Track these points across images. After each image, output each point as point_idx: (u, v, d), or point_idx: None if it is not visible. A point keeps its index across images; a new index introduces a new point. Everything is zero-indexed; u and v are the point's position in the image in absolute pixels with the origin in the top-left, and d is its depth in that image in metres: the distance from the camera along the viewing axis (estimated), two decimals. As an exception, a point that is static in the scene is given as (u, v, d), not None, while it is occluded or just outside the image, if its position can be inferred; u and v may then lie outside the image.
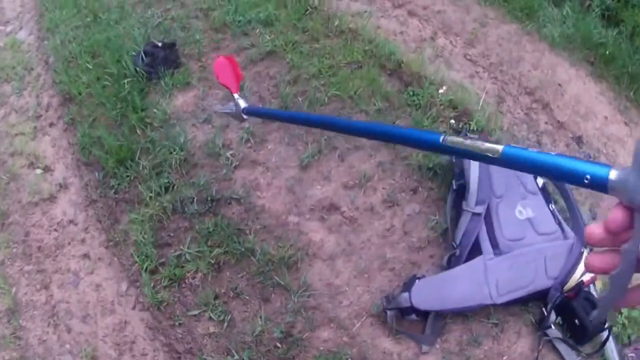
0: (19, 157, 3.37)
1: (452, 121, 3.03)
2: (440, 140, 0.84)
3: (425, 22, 3.83)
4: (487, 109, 3.18)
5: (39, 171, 3.30)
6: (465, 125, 3.04)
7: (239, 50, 3.47)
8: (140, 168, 3.02)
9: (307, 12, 3.67)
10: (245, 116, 1.97)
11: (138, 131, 3.20)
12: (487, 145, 0.74)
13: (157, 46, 3.49)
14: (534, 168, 0.68)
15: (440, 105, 3.14)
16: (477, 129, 3.01)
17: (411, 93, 3.18)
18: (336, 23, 3.54)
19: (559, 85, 3.42)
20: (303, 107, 3.08)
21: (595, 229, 0.57)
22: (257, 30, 3.57)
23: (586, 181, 0.60)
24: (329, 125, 1.72)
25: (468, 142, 0.78)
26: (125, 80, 3.41)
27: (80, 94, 3.51)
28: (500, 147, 0.71)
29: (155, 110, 3.26)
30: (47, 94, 3.76)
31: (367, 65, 3.29)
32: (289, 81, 3.23)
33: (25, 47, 4.29)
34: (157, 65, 3.41)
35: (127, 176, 3.02)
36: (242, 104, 1.94)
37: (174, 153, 3.02)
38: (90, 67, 3.66)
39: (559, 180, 0.59)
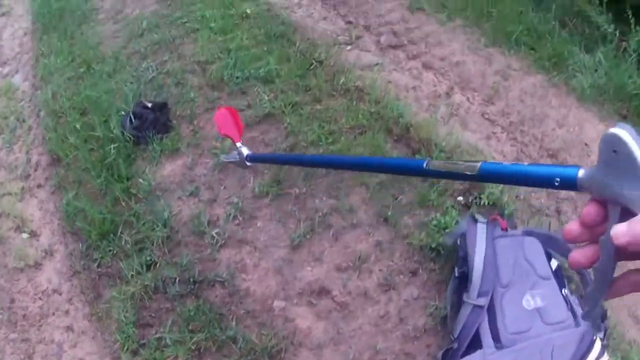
0: (5, 219, 3.44)
1: (460, 198, 2.98)
2: (424, 165, 0.96)
3: (441, 75, 3.80)
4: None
5: (25, 235, 3.36)
6: (475, 199, 2.99)
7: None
8: (123, 243, 3.04)
9: (312, 67, 3.69)
10: (249, 163, 2.12)
11: (122, 202, 3.23)
12: (466, 164, 0.86)
13: (147, 107, 3.54)
14: (509, 179, 0.79)
15: (450, 175, 3.08)
16: (488, 203, 2.96)
17: (418, 163, 3.13)
18: (342, 80, 3.55)
19: (586, 144, 3.33)
20: (298, 179, 3.08)
21: (572, 226, 0.64)
22: (256, 89, 3.60)
23: (557, 183, 0.68)
24: (326, 164, 2.12)
25: (449, 164, 0.93)
26: (112, 146, 3.46)
27: (67, 156, 3.57)
28: (477, 164, 0.83)
29: (140, 180, 3.29)
30: (37, 151, 3.85)
31: (372, 130, 3.28)
32: (285, 149, 3.23)
33: (20, 94, 4.44)
34: (145, 128, 3.45)
35: (110, 250, 3.05)
36: (245, 151, 2.11)
37: (157, 229, 3.04)
38: (79, 127, 3.75)
39: (534, 186, 0.75)
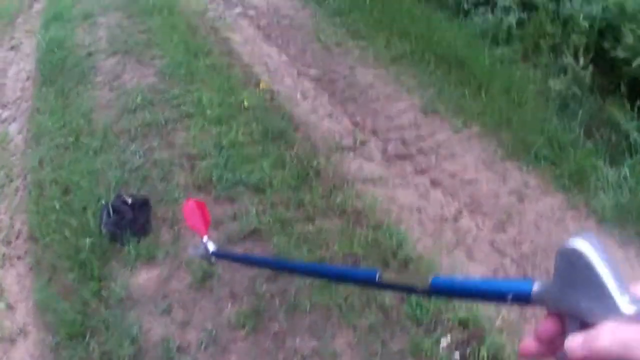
0: (-15, 282, 3.44)
1: (457, 355, 2.85)
2: (377, 277, 0.98)
3: (450, 195, 3.71)
4: (508, 318, 3.00)
5: (2, 305, 3.34)
6: (473, 351, 2.85)
7: (219, 223, 3.41)
8: (90, 350, 2.93)
9: (308, 178, 3.61)
10: (214, 259, 2.28)
11: (93, 305, 3.14)
12: (418, 278, 0.94)
13: (127, 203, 3.48)
14: (462, 294, 0.84)
15: (448, 322, 2.97)
16: (488, 356, 2.82)
17: (414, 305, 3.02)
18: (339, 199, 3.46)
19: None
20: (279, 312, 2.97)
21: (528, 342, 0.65)
22: (245, 197, 3.52)
23: (510, 298, 0.70)
24: (284, 268, 2.42)
25: (401, 277, 1.09)
26: (87, 240, 3.38)
27: (44, 237, 3.53)
28: (428, 278, 0.85)
29: (113, 284, 3.20)
30: (20, 218, 3.83)
31: (366, 260, 3.17)
32: (269, 276, 3.13)
33: (12, 147, 4.55)
34: (123, 227, 3.38)
35: (77, 355, 2.94)
36: (211, 247, 2.19)
37: (125, 345, 2.92)
38: (58, 207, 3.70)
39: (486, 301, 0.77)
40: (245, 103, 4.44)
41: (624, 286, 0.58)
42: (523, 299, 0.68)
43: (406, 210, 3.55)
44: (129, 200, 3.50)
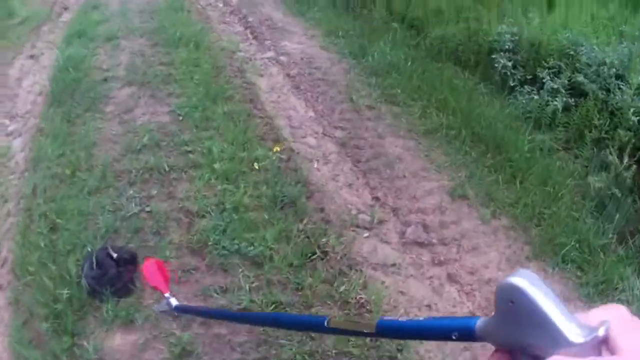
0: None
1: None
2: (325, 323, 1.09)
3: (465, 294, 3.55)
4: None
5: None
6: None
7: (207, 295, 3.29)
8: None
9: (313, 258, 3.49)
10: (177, 313, 2.67)
11: (63, 361, 3.04)
12: (365, 322, 1.02)
13: (112, 257, 3.38)
14: (407, 334, 0.95)
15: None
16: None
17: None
18: (343, 287, 3.32)
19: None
20: None
21: None
22: (240, 269, 3.39)
23: (454, 336, 0.76)
24: (244, 320, 2.60)
25: (348, 322, 1.12)
26: (65, 291, 3.28)
27: (25, 275, 3.47)
28: (374, 322, 0.92)
29: (86, 343, 3.08)
30: (7, 245, 3.80)
31: (363, 361, 3.02)
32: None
33: (13, 165, 4.61)
34: (104, 284, 3.27)
35: None
36: (174, 302, 2.47)
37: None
38: (43, 245, 3.65)
39: (432, 339, 0.89)
40: (257, 165, 4.36)
41: (569, 315, 0.61)
42: (468, 336, 0.73)
43: (415, 305, 3.40)
44: (114, 255, 3.40)
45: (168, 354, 3.05)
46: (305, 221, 3.79)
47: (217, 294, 3.30)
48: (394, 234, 3.90)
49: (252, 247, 3.49)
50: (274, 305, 3.22)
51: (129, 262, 3.45)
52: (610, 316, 0.62)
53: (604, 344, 0.60)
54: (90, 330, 3.18)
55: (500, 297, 0.64)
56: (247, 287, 3.30)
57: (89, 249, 3.52)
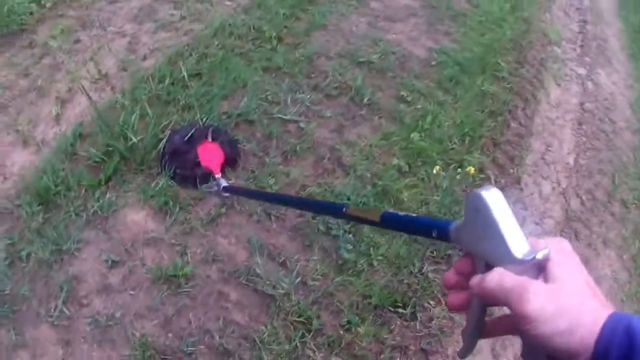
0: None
1: None
2: (343, 210, 1.28)
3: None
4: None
5: None
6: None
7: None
8: None
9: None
10: (225, 194, 2.76)
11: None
12: (372, 213, 1.13)
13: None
14: (402, 227, 1.02)
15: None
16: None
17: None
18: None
19: None
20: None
21: (449, 274, 0.83)
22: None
23: (434, 234, 0.87)
24: (285, 202, 2.90)
25: (361, 211, 1.25)
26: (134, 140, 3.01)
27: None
28: (379, 213, 1.09)
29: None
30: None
31: None
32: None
33: None
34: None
35: None
36: (223, 182, 2.82)
37: None
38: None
39: (419, 234, 0.98)
40: None
41: (519, 235, 0.71)
42: (444, 236, 0.84)
43: None
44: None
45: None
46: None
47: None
48: None
49: None
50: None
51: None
52: (554, 247, 0.74)
53: (542, 270, 0.72)
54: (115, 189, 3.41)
55: (468, 204, 0.75)
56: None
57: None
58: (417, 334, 3.07)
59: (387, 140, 3.90)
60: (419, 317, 3.11)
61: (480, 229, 0.75)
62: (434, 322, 3.13)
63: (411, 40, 5.03)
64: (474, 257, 0.78)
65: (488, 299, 0.74)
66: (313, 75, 4.28)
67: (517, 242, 0.72)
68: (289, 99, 4.00)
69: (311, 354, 2.88)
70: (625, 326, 0.66)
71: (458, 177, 3.73)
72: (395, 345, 3.00)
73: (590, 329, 0.68)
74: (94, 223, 3.22)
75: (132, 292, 2.97)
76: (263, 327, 2.92)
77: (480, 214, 0.74)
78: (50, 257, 3.05)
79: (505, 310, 0.73)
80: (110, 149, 3.41)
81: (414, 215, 1.01)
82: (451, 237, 0.83)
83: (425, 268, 3.31)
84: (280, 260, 3.18)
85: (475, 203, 0.74)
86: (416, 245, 3.38)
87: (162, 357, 2.78)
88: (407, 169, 3.76)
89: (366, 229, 3.34)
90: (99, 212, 3.24)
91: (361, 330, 2.98)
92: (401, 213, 1.04)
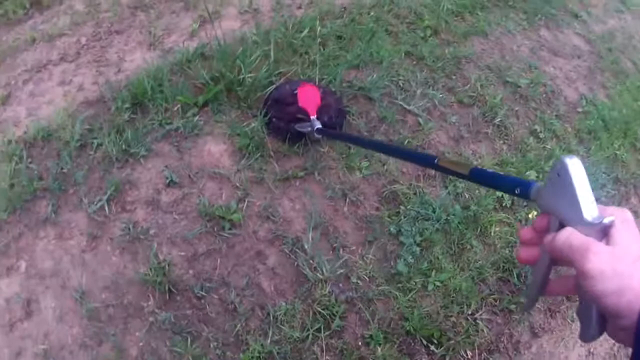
0: None
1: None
2: (435, 161, 1.38)
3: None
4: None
5: None
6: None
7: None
8: None
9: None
10: (317, 135, 2.90)
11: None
12: (463, 165, 1.23)
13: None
14: (489, 181, 1.12)
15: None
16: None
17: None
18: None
19: None
20: None
21: (526, 230, 0.90)
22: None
23: (517, 192, 0.97)
24: (374, 147, 2.73)
25: (452, 164, 1.33)
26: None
27: None
28: (469, 167, 1.19)
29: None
30: None
31: None
32: None
33: None
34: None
35: None
36: (317, 124, 2.89)
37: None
38: None
39: (502, 190, 1.08)
40: None
41: (591, 201, 0.79)
42: (525, 195, 0.94)
43: None
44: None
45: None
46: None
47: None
48: None
49: None
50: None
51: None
52: (618, 216, 0.80)
53: (605, 235, 0.78)
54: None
55: (552, 170, 0.83)
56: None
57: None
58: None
59: (501, 168, 3.51)
60: None
61: (559, 191, 0.82)
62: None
63: (567, 80, 4.60)
64: (550, 217, 0.86)
65: (556, 255, 0.82)
66: (454, 77, 3.96)
67: (589, 206, 0.79)
68: (419, 92, 3.71)
69: (317, 353, 2.61)
70: None
71: None
72: (407, 383, 2.65)
73: (637, 293, 0.73)
74: (171, 139, 3.11)
75: (176, 217, 2.84)
76: (283, 304, 2.68)
77: (561, 179, 0.81)
78: (117, 155, 2.98)
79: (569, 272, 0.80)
80: (218, 75, 3.26)
81: (500, 173, 1.09)
82: (531, 196, 0.92)
83: (479, 314, 2.92)
84: (334, 245, 2.90)
85: (558, 168, 0.82)
86: (483, 287, 2.98)
87: (172, 288, 2.63)
88: (508, 205, 3.35)
89: (438, 249, 2.98)
90: (181, 131, 3.13)
91: (380, 351, 2.65)
92: (489, 170, 1.13)
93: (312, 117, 2.98)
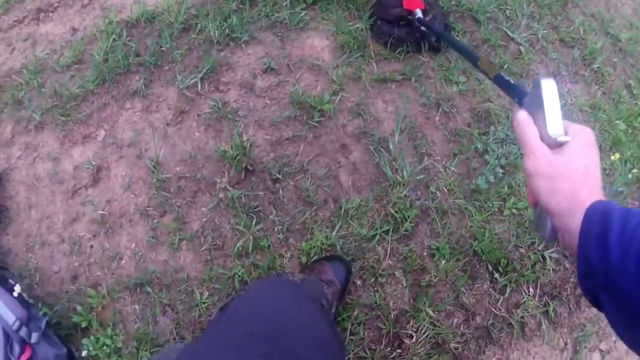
0: None
1: None
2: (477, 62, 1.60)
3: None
4: None
5: None
6: None
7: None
8: None
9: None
10: (417, 24, 2.81)
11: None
12: (493, 67, 1.50)
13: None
14: (504, 86, 1.30)
15: None
16: None
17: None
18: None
19: None
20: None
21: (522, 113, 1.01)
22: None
23: (516, 100, 1.13)
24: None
25: (489, 65, 1.54)
26: None
27: None
28: (496, 72, 1.40)
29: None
30: None
31: None
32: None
33: None
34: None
35: None
36: (419, 14, 2.81)
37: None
38: None
39: (510, 96, 1.20)
40: None
41: (558, 117, 0.93)
42: (520, 99, 1.08)
43: None
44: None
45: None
46: None
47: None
48: None
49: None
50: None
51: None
52: (581, 134, 0.92)
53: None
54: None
55: (533, 83, 0.98)
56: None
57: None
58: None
59: (592, 110, 3.23)
60: (507, 291, 2.55)
61: (535, 104, 0.97)
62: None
63: None
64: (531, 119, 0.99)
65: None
66: (559, 17, 3.69)
67: (554, 123, 0.93)
68: (524, 23, 3.46)
69: (381, 254, 2.45)
70: (604, 205, 0.80)
71: (630, 176, 3.09)
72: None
73: (567, 196, 0.85)
74: (276, 29, 2.98)
75: (267, 102, 2.72)
76: (358, 199, 2.52)
77: (537, 95, 0.95)
78: (219, 38, 2.88)
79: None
80: (331, -25, 3.12)
81: (512, 82, 1.24)
82: (523, 104, 1.04)
83: (549, 251, 2.70)
84: (419, 151, 2.71)
85: (535, 85, 0.96)
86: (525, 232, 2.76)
87: (249, 166, 2.52)
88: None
89: (521, 176, 2.79)
90: (287, 22, 2.99)
91: (443, 265, 2.48)
92: (509, 79, 1.26)
93: (417, 10, 2.82)
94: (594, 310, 2.67)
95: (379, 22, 2.98)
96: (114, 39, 2.87)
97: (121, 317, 2.35)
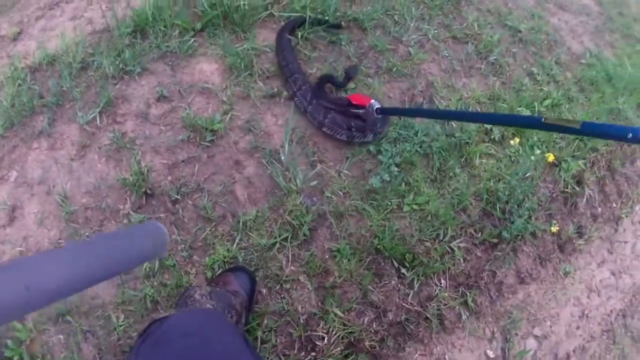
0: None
1: None
2: (542, 120, 1.44)
3: None
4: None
5: None
6: None
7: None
8: None
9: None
10: (378, 115, 2.74)
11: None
12: (572, 121, 1.36)
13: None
14: (600, 132, 1.30)
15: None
16: None
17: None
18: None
19: None
20: None
21: None
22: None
23: (629, 136, 1.13)
24: (452, 117, 2.88)
25: (559, 120, 1.40)
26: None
27: None
28: (579, 122, 1.31)
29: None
30: None
31: None
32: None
33: None
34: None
35: None
36: (376, 105, 2.75)
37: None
38: None
39: (614, 139, 1.20)
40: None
41: None
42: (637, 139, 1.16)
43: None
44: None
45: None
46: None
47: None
48: None
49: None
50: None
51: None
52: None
53: None
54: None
55: None
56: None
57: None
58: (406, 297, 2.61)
59: (490, 101, 3.36)
60: (415, 285, 2.66)
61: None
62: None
63: (572, 32, 4.39)
64: None
65: None
66: (451, 15, 3.83)
67: None
68: (412, 26, 3.60)
69: (283, 261, 2.58)
70: None
71: (533, 158, 3.18)
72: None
73: None
74: (167, 59, 3.12)
75: (162, 128, 2.85)
76: (254, 211, 2.66)
77: None
78: (114, 73, 3.00)
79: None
80: (216, 2, 3.23)
81: (610, 124, 1.23)
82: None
83: (457, 241, 2.83)
84: (311, 159, 2.86)
85: None
86: (463, 216, 2.91)
87: (149, 191, 2.64)
88: (498, 138, 3.22)
89: (418, 172, 2.92)
90: (177, 51, 3.13)
91: (346, 265, 2.60)
92: (600, 123, 1.22)
93: (371, 102, 2.84)
94: (519, 296, 2.80)
95: (331, 112, 2.90)
96: (19, 84, 2.97)
97: (48, 348, 2.44)
